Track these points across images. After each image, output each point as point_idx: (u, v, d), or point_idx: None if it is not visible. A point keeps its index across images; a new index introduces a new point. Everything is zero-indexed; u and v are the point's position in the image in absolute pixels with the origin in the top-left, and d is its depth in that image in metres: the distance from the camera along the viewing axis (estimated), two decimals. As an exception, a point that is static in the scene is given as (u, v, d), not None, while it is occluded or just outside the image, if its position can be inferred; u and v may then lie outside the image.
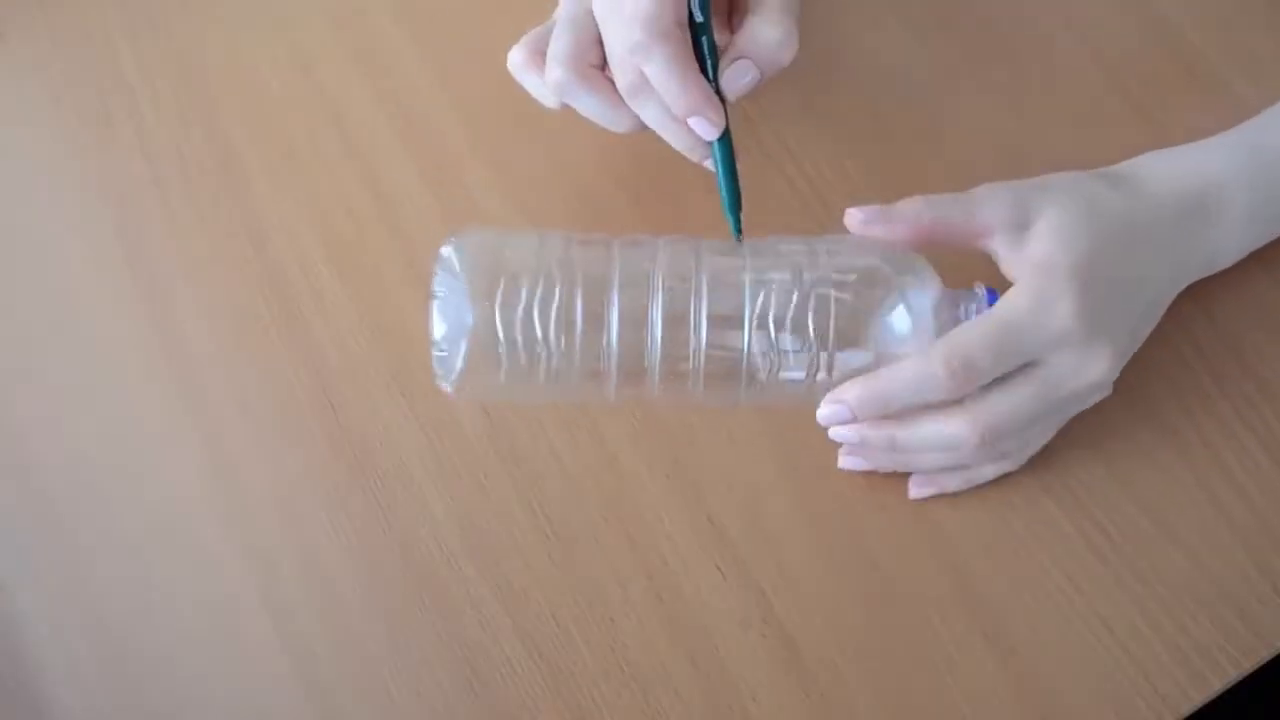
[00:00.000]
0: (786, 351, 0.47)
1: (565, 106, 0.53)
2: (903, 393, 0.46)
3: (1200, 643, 0.48)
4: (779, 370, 0.47)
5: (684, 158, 0.52)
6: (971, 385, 0.46)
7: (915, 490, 0.51)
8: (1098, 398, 0.49)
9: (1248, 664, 0.48)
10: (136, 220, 0.60)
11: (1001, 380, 0.47)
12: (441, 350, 0.47)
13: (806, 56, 0.50)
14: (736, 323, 0.47)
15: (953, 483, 0.51)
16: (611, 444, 0.54)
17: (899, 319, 0.46)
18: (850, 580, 0.51)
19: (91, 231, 0.61)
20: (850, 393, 0.47)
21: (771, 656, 0.50)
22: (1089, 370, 0.47)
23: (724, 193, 0.50)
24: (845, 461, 0.52)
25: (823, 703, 0.49)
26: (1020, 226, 0.47)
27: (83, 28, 0.65)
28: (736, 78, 0.50)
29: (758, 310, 0.46)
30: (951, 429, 0.47)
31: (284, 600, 0.53)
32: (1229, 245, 0.51)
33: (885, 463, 0.51)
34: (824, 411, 0.47)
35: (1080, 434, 0.51)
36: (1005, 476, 0.51)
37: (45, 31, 0.66)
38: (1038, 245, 0.47)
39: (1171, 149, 0.51)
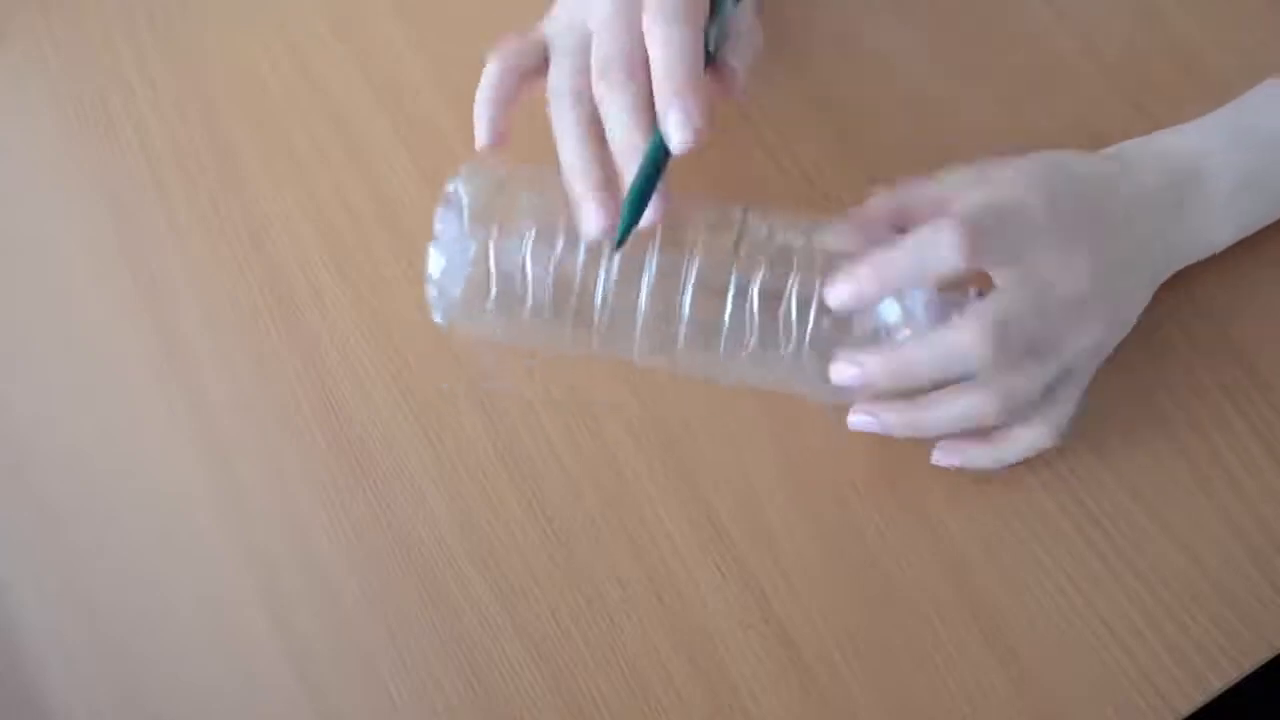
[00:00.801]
0: (775, 339, 0.47)
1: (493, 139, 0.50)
2: (931, 360, 0.45)
3: (1200, 643, 0.48)
4: (764, 355, 0.47)
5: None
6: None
7: (940, 458, 0.51)
8: (1094, 330, 0.48)
9: (1248, 664, 0.48)
10: (136, 220, 0.60)
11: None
12: (436, 278, 0.48)
13: (806, 51, 0.50)
14: (723, 302, 0.46)
15: (982, 458, 0.50)
16: (611, 443, 0.54)
17: (889, 313, 0.47)
18: (850, 580, 0.51)
19: (91, 231, 0.61)
20: (871, 360, 0.46)
21: (771, 656, 0.50)
22: (1071, 271, 0.46)
23: (633, 198, 0.45)
24: (855, 420, 0.49)
25: (823, 703, 0.49)
26: (985, 182, 0.47)
27: (83, 28, 0.65)
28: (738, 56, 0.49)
29: (749, 294, 0.46)
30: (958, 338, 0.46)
31: (284, 600, 0.53)
32: (1220, 226, 0.51)
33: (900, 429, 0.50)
34: (841, 373, 0.46)
35: (1081, 433, 0.51)
36: (1007, 476, 0.51)
37: (45, 31, 0.66)
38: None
39: (1154, 133, 0.52)
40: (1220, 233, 0.51)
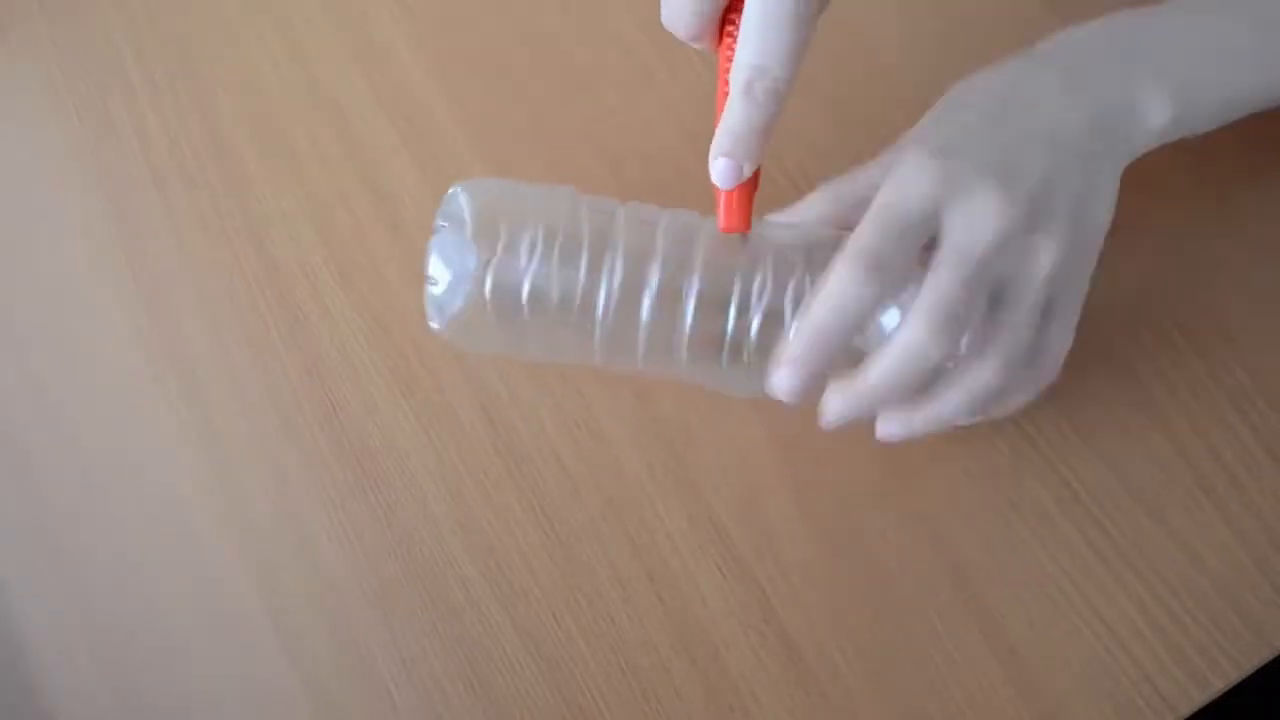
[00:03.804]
0: (768, 349, 0.47)
1: None
2: (833, 317, 0.44)
3: (1200, 643, 0.48)
4: (762, 360, 0.47)
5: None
6: (885, 275, 0.44)
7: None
8: (993, 221, 0.44)
9: (1248, 664, 0.48)
10: (136, 220, 0.61)
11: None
12: (436, 291, 0.48)
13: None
14: (725, 307, 0.47)
15: (919, 422, 0.48)
16: (611, 444, 0.54)
17: (889, 320, 0.47)
18: (850, 580, 0.51)
19: (91, 231, 0.61)
20: (793, 349, 0.45)
21: (771, 656, 0.50)
22: (918, 177, 0.44)
23: None
24: (883, 431, 0.49)
25: (823, 702, 0.49)
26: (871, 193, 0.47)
27: (83, 27, 0.65)
28: None
29: (750, 299, 0.47)
30: (898, 334, 0.45)
31: (284, 600, 0.53)
32: (1157, 98, 0.47)
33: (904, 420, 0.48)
34: (775, 379, 0.46)
35: (1081, 434, 0.51)
36: (1007, 476, 0.51)
37: (45, 31, 0.66)
38: None
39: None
40: (1161, 102, 0.47)
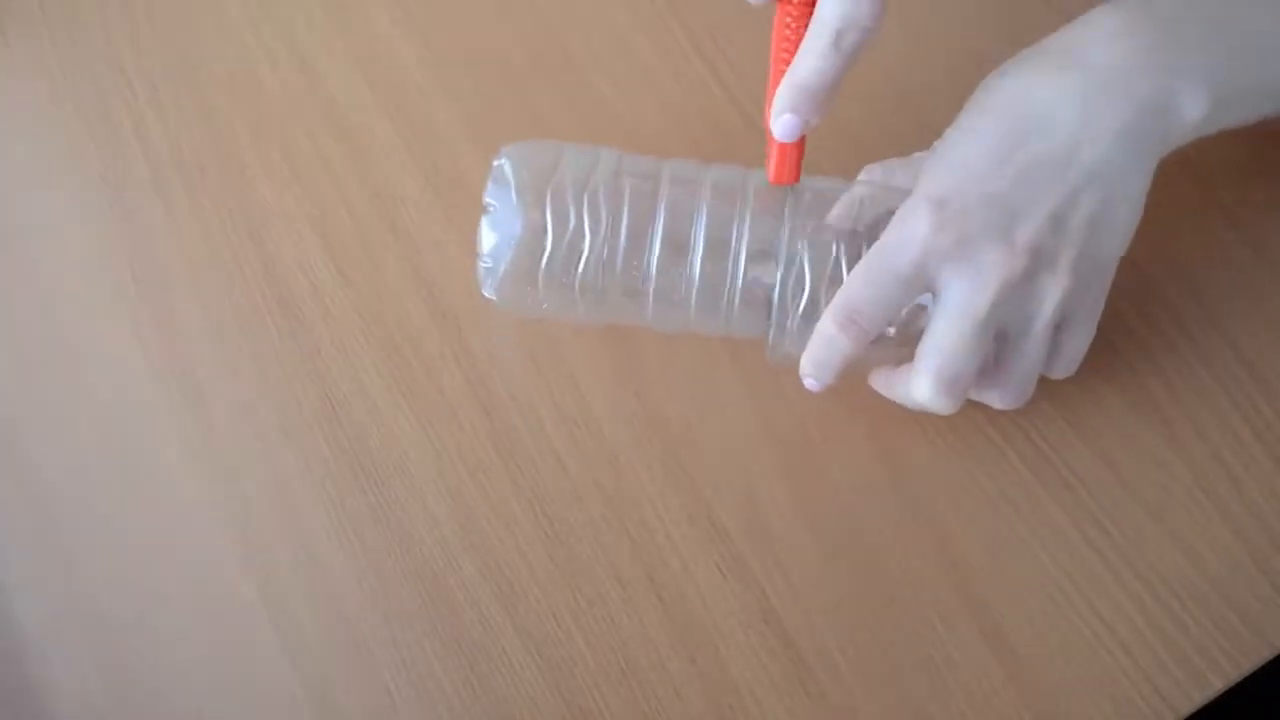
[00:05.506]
0: (818, 302, 0.47)
1: None
2: (824, 354, 0.47)
3: (1200, 643, 0.48)
4: (809, 319, 0.48)
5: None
6: (864, 328, 0.45)
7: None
8: (1055, 291, 0.45)
9: (1248, 664, 0.48)
10: (136, 220, 0.60)
11: None
12: (487, 256, 0.49)
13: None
14: (775, 260, 0.47)
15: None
16: (611, 444, 0.54)
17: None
18: (850, 580, 0.51)
19: (91, 231, 0.61)
20: (803, 366, 0.48)
21: (771, 656, 0.50)
22: (915, 232, 0.44)
23: None
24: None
25: (823, 702, 0.49)
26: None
27: (83, 27, 0.65)
28: None
29: (798, 252, 0.47)
30: (911, 386, 0.47)
31: (283, 600, 0.53)
32: (1193, 91, 0.45)
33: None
34: (805, 383, 0.49)
35: (1081, 433, 0.51)
36: (1008, 476, 0.51)
37: (45, 31, 0.66)
38: None
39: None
40: (1198, 98, 0.45)
